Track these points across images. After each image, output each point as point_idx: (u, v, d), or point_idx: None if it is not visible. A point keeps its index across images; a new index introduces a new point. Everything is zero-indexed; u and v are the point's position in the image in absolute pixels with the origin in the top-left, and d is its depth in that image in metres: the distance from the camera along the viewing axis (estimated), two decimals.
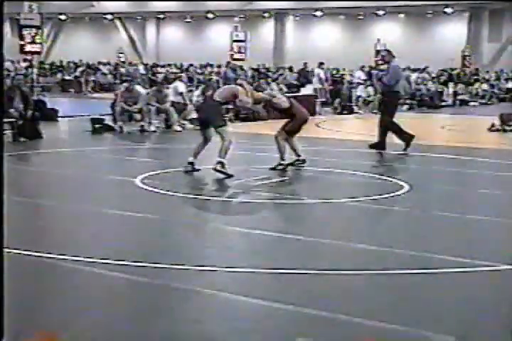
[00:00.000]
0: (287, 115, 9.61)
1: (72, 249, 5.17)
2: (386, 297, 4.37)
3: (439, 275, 4.78)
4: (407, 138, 11.49)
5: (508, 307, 4.24)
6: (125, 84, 15.09)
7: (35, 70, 26.15)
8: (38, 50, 17.12)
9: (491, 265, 4.95)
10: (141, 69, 30.78)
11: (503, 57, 34.69)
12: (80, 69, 31.52)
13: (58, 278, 4.69)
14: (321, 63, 23.30)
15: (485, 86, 27.36)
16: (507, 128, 15.37)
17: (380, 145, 11.66)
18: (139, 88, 14.96)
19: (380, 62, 20.49)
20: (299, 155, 9.54)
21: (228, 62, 24.31)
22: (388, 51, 12.05)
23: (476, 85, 27.07)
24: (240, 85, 9.20)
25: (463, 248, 5.54)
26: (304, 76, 25.05)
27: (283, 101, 9.52)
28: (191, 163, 8.90)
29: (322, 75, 22.38)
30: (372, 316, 3.94)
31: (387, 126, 11.50)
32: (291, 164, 9.40)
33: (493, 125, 15.47)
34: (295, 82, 24.46)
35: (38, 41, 16.69)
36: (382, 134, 11.65)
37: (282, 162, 9.26)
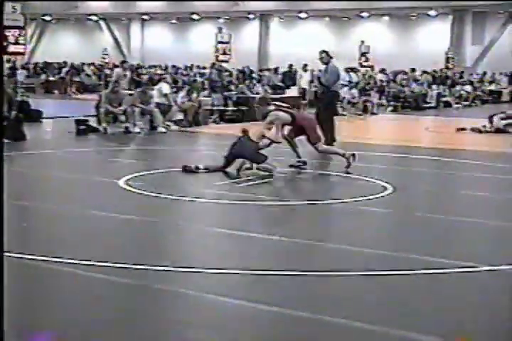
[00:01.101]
0: (296, 127, 9.65)
1: (54, 250, 5.14)
2: (370, 298, 4.40)
3: (422, 276, 4.81)
4: (328, 141, 11.86)
5: (492, 308, 4.28)
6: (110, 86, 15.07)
7: (24, 71, 25.98)
8: (22, 50, 17.04)
9: (473, 266, 4.99)
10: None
11: (486, 59, 34.93)
12: (65, 70, 31.39)
13: (39, 280, 4.66)
14: (305, 65, 23.38)
15: (468, 88, 27.55)
16: (482, 129, 15.55)
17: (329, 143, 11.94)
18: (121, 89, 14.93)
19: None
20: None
21: (213, 64, 24.32)
22: (326, 52, 12.22)
23: (459, 87, 27.25)
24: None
25: (446, 249, 5.57)
26: (290, 78, 25.12)
27: (285, 117, 9.47)
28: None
29: (306, 77, 22.55)
30: (356, 317, 3.96)
31: (323, 122, 11.83)
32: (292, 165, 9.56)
33: (484, 126, 15.70)
34: (280, 84, 24.52)
35: (21, 42, 16.61)
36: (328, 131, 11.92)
37: (299, 159, 9.49)
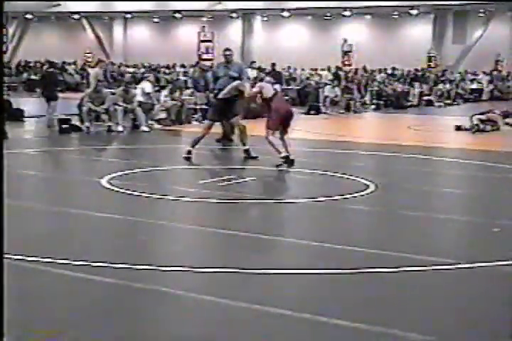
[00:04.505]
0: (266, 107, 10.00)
1: (34, 249, 5.13)
2: (352, 295, 4.43)
3: (403, 273, 4.85)
4: (226, 136, 12.25)
5: (474, 305, 4.33)
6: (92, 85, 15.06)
7: (5, 70, 25.64)
8: (3, 49, 16.95)
9: (456, 263, 5.03)
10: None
11: (467, 58, 35.16)
12: (46, 68, 31.18)
13: (19, 279, 4.63)
14: (253, 62, 23.52)
15: (448, 86, 27.72)
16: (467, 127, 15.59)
17: (225, 139, 12.22)
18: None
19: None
20: (287, 152, 9.77)
21: (197, 63, 24.29)
22: (230, 50, 12.28)
23: (440, 86, 27.41)
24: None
25: (428, 247, 5.61)
26: (274, 76, 25.07)
27: (268, 89, 9.90)
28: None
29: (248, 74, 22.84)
30: (338, 315, 3.98)
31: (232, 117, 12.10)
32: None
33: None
34: None
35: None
36: (225, 127, 12.20)
37: (280, 155, 9.52)
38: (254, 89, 10.11)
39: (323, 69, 29.54)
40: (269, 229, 6.19)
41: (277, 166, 9.40)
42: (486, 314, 4.12)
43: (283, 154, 9.44)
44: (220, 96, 10.36)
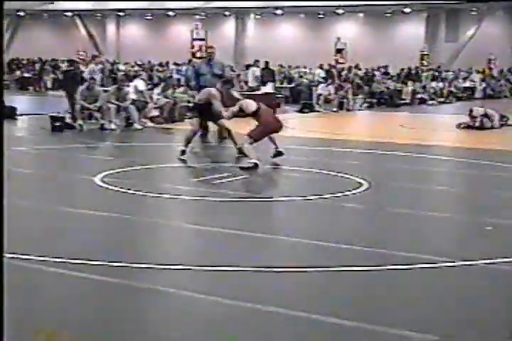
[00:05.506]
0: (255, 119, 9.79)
1: (27, 248, 5.09)
2: (346, 294, 4.43)
3: (396, 271, 4.85)
4: (220, 134, 12.11)
5: (465, 303, 4.34)
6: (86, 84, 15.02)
7: None
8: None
9: (447, 261, 5.04)
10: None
11: (460, 56, 35.25)
12: (38, 66, 31.13)
13: (12, 278, 4.62)
14: (256, 61, 23.56)
15: (441, 84, 27.81)
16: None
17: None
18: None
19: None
20: (275, 146, 9.79)
21: (189, 61, 24.27)
22: (213, 48, 12.27)
23: (433, 84, 27.48)
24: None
25: (420, 244, 5.62)
26: (269, 74, 25.09)
27: (250, 104, 9.65)
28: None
29: (257, 73, 22.90)
30: (332, 313, 3.98)
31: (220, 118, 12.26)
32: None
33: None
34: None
35: None
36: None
37: (250, 160, 9.18)
38: (234, 109, 9.72)
39: (305, 67, 29.68)
40: (263, 227, 6.19)
41: (241, 168, 9.07)
42: (486, 313, 4.12)
43: (253, 160, 9.14)
44: (195, 100, 10.44)
